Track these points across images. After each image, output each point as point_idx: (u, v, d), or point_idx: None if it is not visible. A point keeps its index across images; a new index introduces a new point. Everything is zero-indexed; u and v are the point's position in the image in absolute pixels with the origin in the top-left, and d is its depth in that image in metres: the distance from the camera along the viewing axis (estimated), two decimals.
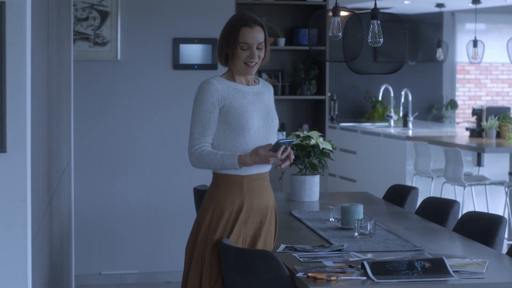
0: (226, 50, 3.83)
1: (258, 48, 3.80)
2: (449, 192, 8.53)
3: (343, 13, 4.69)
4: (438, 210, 4.87)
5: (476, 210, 7.58)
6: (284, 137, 7.49)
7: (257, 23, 3.81)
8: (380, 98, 12.24)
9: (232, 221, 3.76)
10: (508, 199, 8.04)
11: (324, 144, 5.20)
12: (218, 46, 3.86)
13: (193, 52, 7.00)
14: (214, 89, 3.77)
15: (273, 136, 3.88)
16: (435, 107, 13.19)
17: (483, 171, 8.73)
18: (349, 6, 10.34)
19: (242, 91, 3.81)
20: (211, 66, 7.00)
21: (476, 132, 9.01)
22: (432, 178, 8.67)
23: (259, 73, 7.72)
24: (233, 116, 3.76)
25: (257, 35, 3.80)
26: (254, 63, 3.80)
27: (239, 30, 3.79)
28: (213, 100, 3.77)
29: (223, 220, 3.75)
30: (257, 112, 3.81)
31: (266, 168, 3.85)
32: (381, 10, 4.16)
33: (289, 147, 3.72)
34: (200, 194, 4.88)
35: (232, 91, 3.79)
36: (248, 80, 3.88)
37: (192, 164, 3.81)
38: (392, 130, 10.24)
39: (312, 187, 5.25)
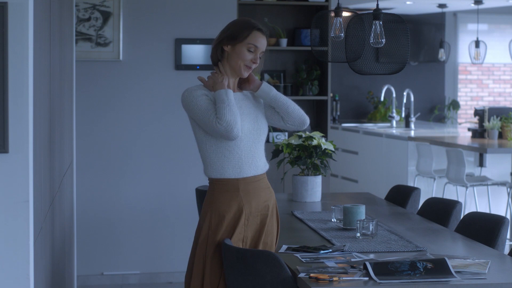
0: (228, 43, 3.78)
1: (259, 56, 3.81)
2: (451, 192, 8.53)
3: (345, 14, 4.68)
4: (440, 211, 4.87)
5: (478, 210, 7.57)
6: (286, 137, 7.49)
7: (267, 34, 3.83)
8: (382, 98, 12.23)
9: (232, 224, 3.75)
10: (510, 200, 8.03)
11: (326, 145, 5.20)
12: (218, 39, 3.81)
13: (195, 53, 7.00)
14: (201, 92, 3.76)
15: (264, 139, 3.87)
16: (437, 108, 13.18)
17: (485, 172, 8.73)
18: (351, 6, 10.34)
19: None
20: (213, 67, 6.98)
21: (478, 133, 9.00)
22: (434, 179, 8.66)
23: (261, 73, 7.72)
24: None
25: (265, 43, 3.81)
26: (252, 67, 3.80)
27: (252, 31, 3.77)
28: (207, 97, 3.76)
29: (223, 224, 3.74)
30: (246, 115, 3.79)
31: (261, 170, 3.84)
32: (383, 11, 4.15)
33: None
34: (202, 195, 4.87)
35: None
36: (234, 88, 3.85)
37: (226, 123, 3.65)
38: (394, 131, 10.23)
39: (314, 188, 5.25)
